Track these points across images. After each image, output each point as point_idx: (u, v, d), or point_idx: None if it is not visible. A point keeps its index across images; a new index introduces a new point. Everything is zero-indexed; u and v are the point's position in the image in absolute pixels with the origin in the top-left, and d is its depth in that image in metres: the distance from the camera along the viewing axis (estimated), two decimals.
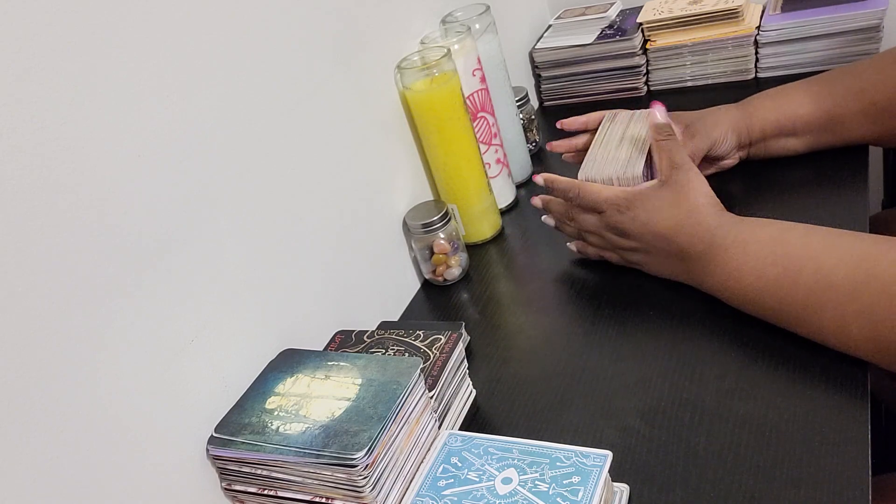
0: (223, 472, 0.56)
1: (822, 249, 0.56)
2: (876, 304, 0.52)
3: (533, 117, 1.04)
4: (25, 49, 0.44)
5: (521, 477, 0.50)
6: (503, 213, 0.92)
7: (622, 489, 0.52)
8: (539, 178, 0.76)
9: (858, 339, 0.54)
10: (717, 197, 0.65)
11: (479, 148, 0.86)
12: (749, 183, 0.81)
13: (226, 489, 0.57)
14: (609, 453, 0.50)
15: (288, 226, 0.66)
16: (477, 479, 0.51)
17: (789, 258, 0.57)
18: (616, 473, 0.54)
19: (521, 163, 0.99)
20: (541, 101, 1.20)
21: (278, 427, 0.54)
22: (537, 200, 0.79)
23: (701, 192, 0.65)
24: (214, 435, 0.55)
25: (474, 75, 0.86)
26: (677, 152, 0.66)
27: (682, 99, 1.06)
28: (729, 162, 0.81)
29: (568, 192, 0.73)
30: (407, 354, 0.64)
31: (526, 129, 1.02)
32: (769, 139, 0.79)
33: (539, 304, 0.76)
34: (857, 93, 0.74)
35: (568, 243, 0.79)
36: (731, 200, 0.73)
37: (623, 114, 0.79)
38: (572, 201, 0.73)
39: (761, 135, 0.78)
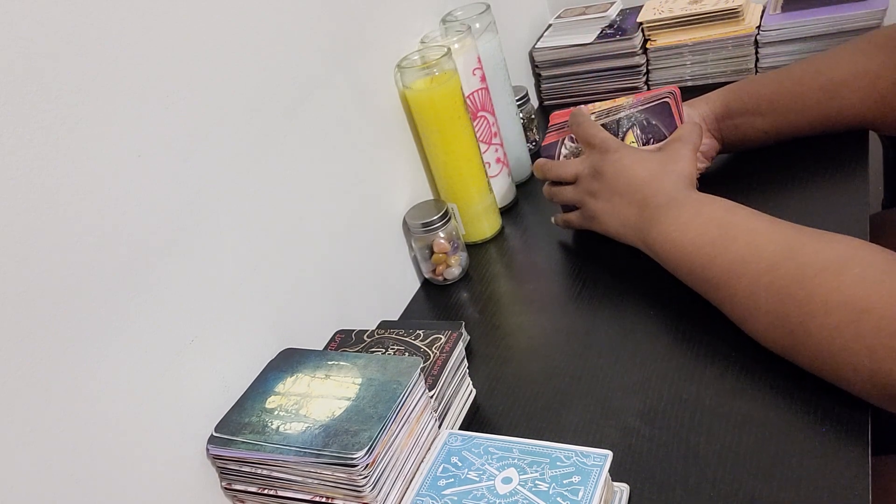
0: (223, 472, 0.56)
1: (762, 227, 0.59)
2: (787, 280, 0.54)
3: (533, 117, 1.04)
4: (25, 49, 0.44)
5: (522, 476, 0.50)
6: (503, 212, 0.92)
7: (622, 489, 0.52)
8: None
9: (764, 309, 0.56)
10: (714, 195, 0.65)
11: (479, 147, 0.86)
12: (748, 182, 0.81)
13: (226, 488, 0.57)
14: (609, 453, 0.50)
15: (288, 225, 0.66)
16: (477, 479, 0.51)
17: (731, 225, 0.60)
18: (616, 473, 0.54)
19: (521, 162, 0.98)
20: (541, 101, 1.20)
21: (278, 426, 0.54)
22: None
23: (686, 164, 0.70)
24: (214, 434, 0.55)
25: (474, 74, 0.86)
26: (690, 131, 0.73)
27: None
28: (707, 148, 0.81)
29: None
30: (407, 354, 0.64)
31: (526, 128, 1.02)
32: (735, 117, 0.80)
33: (539, 303, 0.76)
34: (814, 73, 0.78)
35: (552, 217, 0.83)
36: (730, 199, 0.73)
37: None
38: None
39: (725, 110, 0.80)
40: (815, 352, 0.53)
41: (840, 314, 0.50)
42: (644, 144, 0.77)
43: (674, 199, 0.66)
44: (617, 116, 0.77)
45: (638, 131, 0.77)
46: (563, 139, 0.79)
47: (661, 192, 0.67)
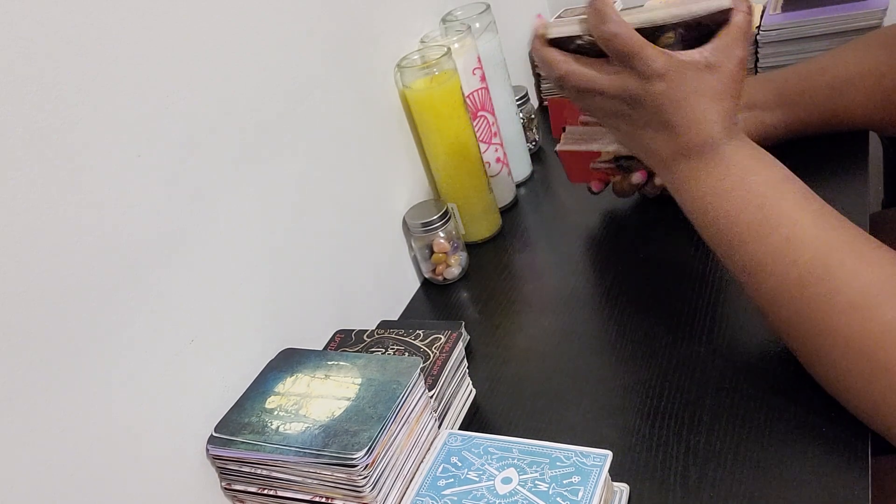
0: (223, 472, 0.56)
1: (806, 221, 0.53)
2: (812, 308, 0.51)
3: (533, 116, 1.04)
4: (25, 49, 0.44)
5: (521, 476, 0.50)
6: (503, 212, 0.92)
7: (622, 489, 0.52)
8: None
9: (783, 319, 0.54)
10: (760, 153, 0.60)
11: (478, 147, 0.86)
12: None
13: (226, 489, 0.57)
14: (609, 453, 0.50)
15: (287, 225, 0.66)
16: (477, 479, 0.51)
17: (773, 211, 0.54)
18: (616, 473, 0.54)
19: (521, 162, 0.98)
20: (541, 101, 1.20)
21: (278, 427, 0.54)
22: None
23: (737, 95, 0.57)
24: (214, 435, 0.55)
25: (474, 74, 0.86)
26: (736, 36, 0.55)
27: None
28: None
29: (598, 15, 0.56)
30: (407, 354, 0.64)
31: (526, 128, 1.02)
32: (742, 110, 0.79)
33: (539, 303, 0.76)
34: (820, 70, 0.77)
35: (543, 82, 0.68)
36: None
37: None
38: (596, 29, 0.57)
39: None
40: (823, 379, 0.53)
41: (855, 361, 0.49)
42: (683, 42, 0.58)
43: (717, 154, 0.56)
44: (657, 22, 0.57)
45: (682, 31, 0.59)
46: (582, 34, 0.60)
47: (707, 141, 0.56)
